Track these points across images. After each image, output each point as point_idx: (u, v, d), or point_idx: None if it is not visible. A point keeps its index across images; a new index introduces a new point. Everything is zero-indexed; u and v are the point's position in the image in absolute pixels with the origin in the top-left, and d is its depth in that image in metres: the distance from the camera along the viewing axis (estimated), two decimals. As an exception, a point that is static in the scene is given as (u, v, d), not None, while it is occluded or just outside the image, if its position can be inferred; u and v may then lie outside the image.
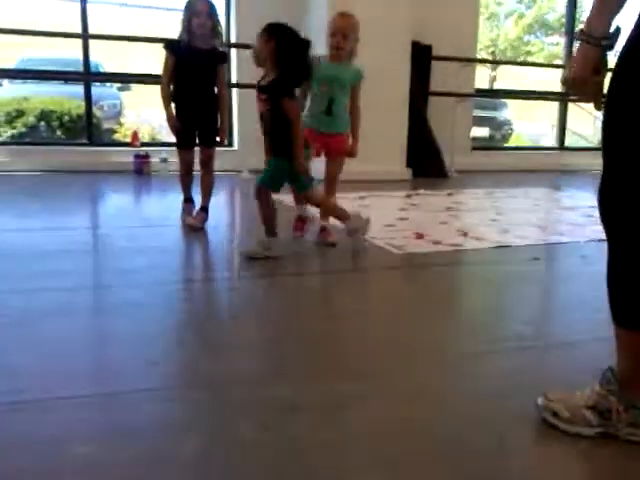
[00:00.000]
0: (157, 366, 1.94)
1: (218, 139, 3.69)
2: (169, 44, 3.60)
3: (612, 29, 1.44)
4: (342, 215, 3.36)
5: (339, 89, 3.35)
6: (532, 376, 1.94)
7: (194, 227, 3.62)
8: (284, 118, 3.00)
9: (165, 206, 3.54)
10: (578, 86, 1.50)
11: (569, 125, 8.47)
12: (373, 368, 1.97)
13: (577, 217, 4.35)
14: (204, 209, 3.73)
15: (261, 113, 3.12)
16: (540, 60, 18.96)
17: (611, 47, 1.46)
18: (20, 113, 7.34)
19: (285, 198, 3.78)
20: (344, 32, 3.27)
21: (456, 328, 2.41)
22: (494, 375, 1.95)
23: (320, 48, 3.41)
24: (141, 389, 1.78)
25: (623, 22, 1.45)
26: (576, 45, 1.53)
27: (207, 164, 3.71)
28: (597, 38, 1.43)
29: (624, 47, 1.43)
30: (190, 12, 3.49)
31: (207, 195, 3.73)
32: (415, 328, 2.35)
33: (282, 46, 2.97)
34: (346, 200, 4.17)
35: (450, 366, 2.02)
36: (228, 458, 1.45)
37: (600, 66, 1.47)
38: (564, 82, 1.56)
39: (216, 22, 3.58)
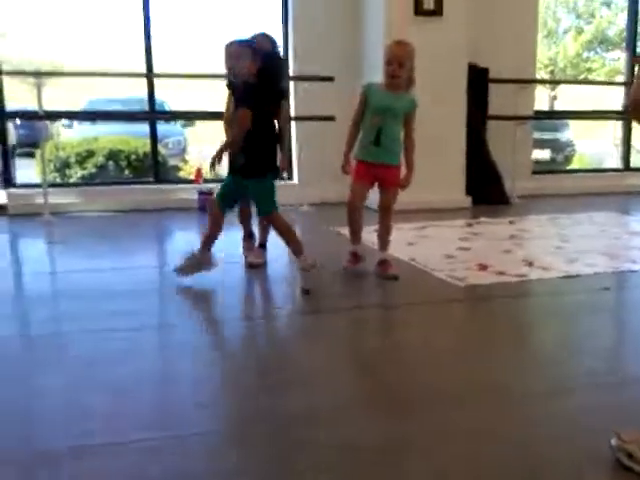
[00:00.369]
0: (210, 408, 1.98)
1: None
2: (232, 83, 3.68)
3: None
4: (298, 249, 3.29)
5: (391, 119, 3.32)
6: (605, 415, 1.88)
7: (253, 264, 3.67)
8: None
9: (227, 243, 3.61)
10: (638, 112, 1.44)
11: (635, 143, 8.21)
12: (437, 407, 1.95)
13: (648, 242, 4.20)
14: (263, 245, 3.78)
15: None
16: (601, 76, 18.52)
17: None
18: (90, 153, 7.65)
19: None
20: (400, 60, 3.24)
21: (523, 364, 2.36)
22: (565, 414, 1.90)
23: (377, 76, 3.41)
24: (200, 432, 1.81)
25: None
26: (636, 69, 1.47)
27: None
28: None
29: None
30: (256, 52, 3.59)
31: (266, 231, 3.78)
32: (480, 365, 2.31)
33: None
34: (404, 231, 4.17)
35: (518, 405, 1.98)
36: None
37: None
38: (625, 110, 1.50)
39: (282, 62, 3.66)
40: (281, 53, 3.75)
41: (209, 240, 3.35)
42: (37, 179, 6.53)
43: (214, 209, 3.38)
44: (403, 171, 3.44)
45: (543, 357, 2.45)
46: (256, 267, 3.65)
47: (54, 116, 7.67)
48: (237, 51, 3.26)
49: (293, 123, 6.24)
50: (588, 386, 2.10)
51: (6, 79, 5.91)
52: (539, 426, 1.84)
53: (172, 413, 1.96)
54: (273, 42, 3.70)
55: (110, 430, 1.79)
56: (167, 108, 9.38)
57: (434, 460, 1.63)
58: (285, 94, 3.77)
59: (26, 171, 8.00)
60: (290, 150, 6.41)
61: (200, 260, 3.35)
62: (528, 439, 1.75)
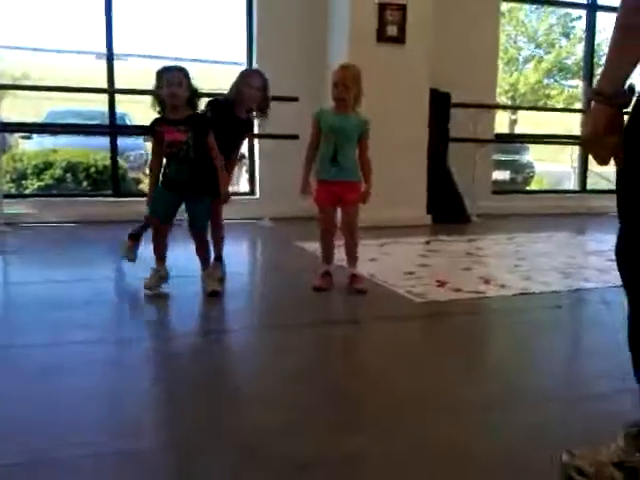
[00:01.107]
0: (174, 421, 1.94)
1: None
2: (213, 102, 3.68)
3: (626, 87, 1.39)
4: (206, 260, 3.48)
5: (344, 139, 3.40)
6: (555, 431, 1.90)
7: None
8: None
9: (186, 257, 3.57)
10: (592, 147, 1.45)
11: (591, 166, 8.43)
12: (392, 420, 1.95)
13: (602, 261, 4.29)
14: (219, 258, 3.75)
15: (171, 142, 3.26)
16: (559, 103, 19.03)
17: (625, 105, 1.40)
18: (48, 165, 7.52)
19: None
20: (345, 83, 3.34)
21: (479, 380, 2.37)
22: (514, 430, 1.91)
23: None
24: (157, 444, 1.78)
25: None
26: (592, 104, 1.48)
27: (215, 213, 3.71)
28: (609, 96, 1.38)
29: (635, 102, 1.41)
30: (243, 80, 3.61)
31: (220, 245, 3.75)
32: (435, 379, 2.32)
33: (194, 89, 3.32)
34: (366, 247, 4.18)
35: (472, 419, 1.99)
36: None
37: (614, 125, 1.41)
38: (580, 141, 1.51)
39: (266, 97, 3.67)
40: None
41: (158, 251, 3.39)
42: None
43: (152, 220, 3.45)
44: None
45: (495, 372, 2.47)
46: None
47: (10, 129, 7.58)
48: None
49: (256, 140, 6.27)
50: (537, 402, 2.12)
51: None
52: (492, 440, 1.85)
53: (123, 429, 1.91)
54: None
55: (58, 445, 1.74)
56: (128, 121, 9.29)
57: (389, 473, 1.63)
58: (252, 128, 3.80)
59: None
60: (252, 166, 6.43)
61: (160, 273, 3.38)
62: (475, 454, 1.76)
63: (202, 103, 3.55)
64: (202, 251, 3.48)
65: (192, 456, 1.71)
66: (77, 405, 2.01)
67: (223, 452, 1.74)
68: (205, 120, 3.40)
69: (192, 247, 3.42)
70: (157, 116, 3.34)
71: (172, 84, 3.22)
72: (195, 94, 3.34)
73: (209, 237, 3.56)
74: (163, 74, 3.26)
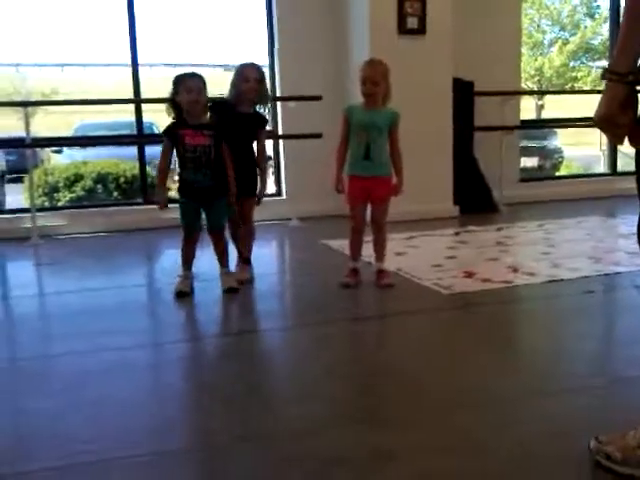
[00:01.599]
0: (209, 422, 1.99)
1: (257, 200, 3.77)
2: (213, 105, 3.72)
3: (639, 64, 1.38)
4: (224, 260, 3.57)
5: (376, 133, 3.42)
6: (589, 416, 1.90)
7: (240, 280, 3.68)
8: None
9: (214, 261, 3.62)
10: (607, 126, 1.44)
11: (622, 148, 8.28)
12: (423, 414, 1.97)
13: (632, 244, 4.21)
14: (247, 261, 3.80)
15: (195, 146, 3.35)
16: (587, 85, 18.71)
17: (638, 83, 1.41)
18: (78, 177, 7.67)
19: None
20: (373, 79, 3.36)
21: (508, 369, 2.37)
22: (548, 416, 1.91)
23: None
24: (192, 446, 1.82)
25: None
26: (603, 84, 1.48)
27: (247, 215, 3.77)
28: (622, 74, 1.39)
29: None
30: (240, 77, 3.63)
31: (249, 246, 3.80)
32: (466, 371, 2.33)
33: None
34: (393, 241, 4.18)
35: (501, 408, 1.99)
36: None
37: (629, 103, 1.41)
38: (594, 122, 1.51)
39: (264, 88, 3.71)
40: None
41: (188, 258, 3.51)
42: (26, 204, 6.55)
43: (184, 231, 3.53)
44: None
45: (527, 361, 2.47)
46: (244, 283, 3.66)
47: (41, 144, 7.76)
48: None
49: (280, 141, 6.31)
50: (571, 389, 2.12)
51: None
52: (522, 428, 1.85)
53: (159, 431, 1.97)
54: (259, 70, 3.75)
55: (95, 449, 1.80)
56: (156, 130, 9.42)
57: (417, 468, 1.64)
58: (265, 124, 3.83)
59: (15, 197, 8.03)
60: (278, 167, 6.48)
61: (188, 279, 3.49)
62: (509, 443, 1.77)
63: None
64: (221, 248, 3.56)
65: (226, 456, 1.76)
66: (114, 410, 2.07)
67: (256, 451, 1.78)
68: (222, 125, 3.48)
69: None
70: (173, 121, 3.42)
71: (192, 91, 3.31)
72: (209, 101, 3.44)
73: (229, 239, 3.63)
74: (182, 81, 3.34)
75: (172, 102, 3.40)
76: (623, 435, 1.56)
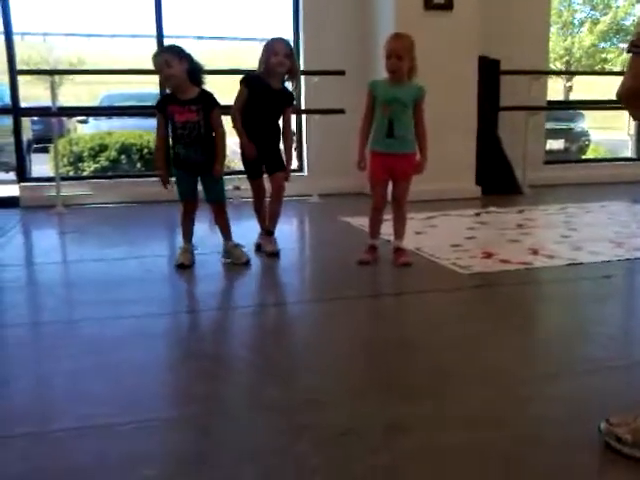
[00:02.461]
0: (221, 389, 2.03)
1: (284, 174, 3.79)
2: (245, 79, 3.71)
3: None
4: (227, 233, 3.59)
5: (400, 109, 3.38)
6: (603, 399, 1.90)
7: (270, 252, 3.72)
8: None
9: (237, 233, 3.65)
10: (632, 101, 1.43)
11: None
12: (437, 390, 1.98)
13: (656, 230, 4.18)
14: (270, 233, 3.82)
15: (184, 123, 3.33)
16: (617, 67, 18.34)
17: None
18: (103, 148, 7.74)
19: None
20: (398, 54, 3.31)
21: (525, 350, 2.38)
22: (563, 398, 1.92)
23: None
24: (205, 413, 1.86)
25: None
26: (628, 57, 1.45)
27: (278, 190, 3.79)
28: None
29: None
30: (269, 51, 3.62)
31: (274, 220, 3.83)
32: (482, 350, 2.33)
33: (194, 64, 3.34)
34: (413, 221, 4.19)
35: (517, 388, 2.00)
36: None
37: None
38: (618, 96, 1.48)
39: (293, 63, 3.69)
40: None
41: (188, 229, 3.58)
42: (51, 173, 6.63)
43: (182, 202, 3.57)
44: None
45: (544, 343, 2.47)
46: (272, 256, 3.71)
47: (66, 113, 7.83)
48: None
49: (303, 116, 6.29)
50: (587, 371, 2.12)
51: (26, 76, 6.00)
52: (536, 409, 1.87)
53: (171, 397, 2.01)
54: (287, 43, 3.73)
55: (109, 413, 1.84)
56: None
57: (430, 443, 1.66)
58: (292, 101, 3.83)
59: (41, 166, 8.13)
60: (300, 143, 6.47)
61: (190, 250, 3.56)
62: (524, 421, 1.78)
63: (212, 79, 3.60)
64: (222, 220, 3.57)
65: (235, 424, 1.79)
66: (130, 375, 2.12)
67: (266, 420, 1.81)
68: (212, 98, 3.42)
69: (240, 224, 3.50)
70: (164, 95, 3.45)
71: (162, 68, 3.28)
72: (196, 70, 3.35)
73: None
74: (152, 60, 3.33)
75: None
76: (635, 418, 1.56)
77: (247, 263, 3.53)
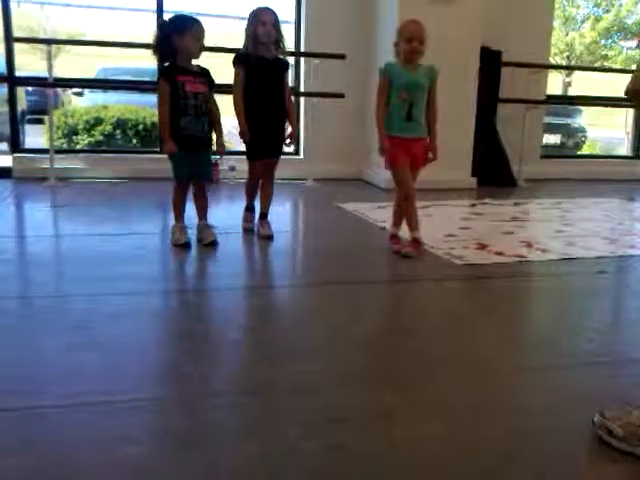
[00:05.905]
0: (212, 371, 2.02)
1: (287, 142, 3.77)
2: (238, 58, 3.62)
3: None
4: (205, 212, 3.59)
5: (420, 93, 3.36)
6: (592, 393, 1.91)
7: (265, 236, 3.71)
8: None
9: (231, 213, 3.64)
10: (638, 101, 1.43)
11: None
12: (426, 377, 1.98)
13: (649, 229, 4.19)
14: (264, 216, 3.80)
15: (195, 93, 3.34)
16: (617, 64, 18.33)
17: None
18: (98, 121, 7.65)
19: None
20: (420, 37, 3.30)
21: (514, 341, 2.38)
22: (553, 390, 1.93)
23: (389, 57, 3.45)
24: (193, 393, 1.85)
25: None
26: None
27: (272, 173, 3.78)
28: None
29: None
30: (256, 21, 3.53)
31: (268, 202, 3.82)
32: (471, 339, 2.33)
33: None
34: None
35: (507, 380, 2.01)
36: (279, 466, 1.50)
37: None
38: (626, 93, 1.47)
39: (280, 32, 3.62)
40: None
41: (181, 207, 3.56)
42: (45, 145, 6.55)
43: (178, 182, 3.55)
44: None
45: (535, 336, 2.47)
46: (266, 239, 3.70)
47: (61, 84, 7.72)
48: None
49: (302, 99, 6.24)
50: (577, 365, 2.12)
51: (21, 46, 5.92)
52: (527, 400, 1.87)
53: (161, 377, 2.00)
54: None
55: (97, 390, 1.82)
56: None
57: (417, 433, 1.66)
58: (287, 67, 3.78)
59: (34, 138, 8.04)
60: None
61: (183, 227, 3.54)
62: (512, 413, 1.78)
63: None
64: (205, 200, 3.58)
65: (226, 406, 1.78)
66: (120, 352, 2.10)
67: (257, 404, 1.80)
68: (211, 75, 3.47)
69: (234, 205, 3.48)
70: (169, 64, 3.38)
71: (201, 37, 3.36)
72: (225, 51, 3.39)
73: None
74: (195, 27, 3.34)
75: (167, 45, 3.32)
76: (628, 412, 1.57)
77: (213, 244, 3.48)
